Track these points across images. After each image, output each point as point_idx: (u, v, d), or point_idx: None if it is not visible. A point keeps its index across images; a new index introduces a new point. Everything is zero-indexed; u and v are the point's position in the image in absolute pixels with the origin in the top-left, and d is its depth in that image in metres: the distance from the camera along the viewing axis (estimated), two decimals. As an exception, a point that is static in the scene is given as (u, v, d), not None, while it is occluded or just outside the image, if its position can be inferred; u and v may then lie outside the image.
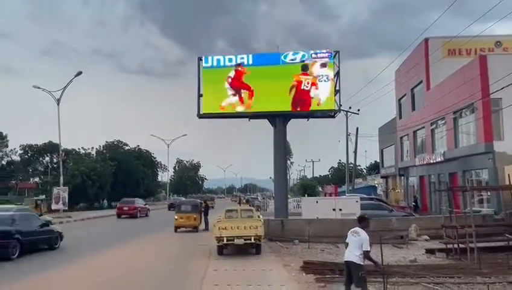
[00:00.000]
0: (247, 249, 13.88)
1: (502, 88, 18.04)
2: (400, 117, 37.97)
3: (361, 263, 7.04)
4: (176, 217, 22.01)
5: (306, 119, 24.51)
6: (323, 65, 21.84)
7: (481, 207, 23.08)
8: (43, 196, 39.44)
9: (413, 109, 34.34)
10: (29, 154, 75.61)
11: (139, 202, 37.25)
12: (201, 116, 22.74)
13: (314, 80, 21.74)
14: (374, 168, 70.11)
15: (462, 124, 25.65)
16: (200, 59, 22.86)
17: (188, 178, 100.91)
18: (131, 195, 44.25)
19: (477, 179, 24.70)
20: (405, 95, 36.17)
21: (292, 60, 22.03)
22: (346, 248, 7.34)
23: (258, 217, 15.54)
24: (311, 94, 21.77)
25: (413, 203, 31.57)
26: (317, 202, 21.63)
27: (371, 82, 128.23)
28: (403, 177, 38.80)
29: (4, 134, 73.54)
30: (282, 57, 22.17)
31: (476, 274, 9.80)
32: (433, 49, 29.21)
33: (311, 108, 22.04)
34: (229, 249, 13.93)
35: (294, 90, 21.78)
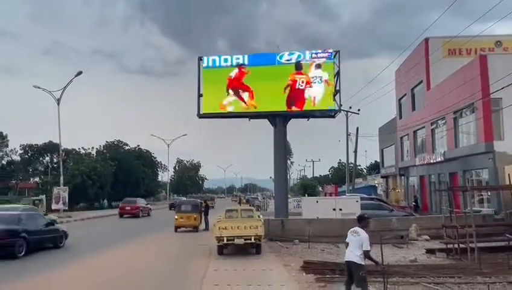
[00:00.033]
0: (248, 249, 13.88)
1: (502, 88, 18.04)
2: (400, 117, 37.97)
3: (362, 263, 7.04)
4: (176, 217, 22.02)
5: (306, 119, 24.50)
6: (318, 66, 21.80)
7: (481, 207, 23.08)
8: (43, 196, 39.39)
9: (414, 108, 34.33)
10: (29, 154, 75.63)
11: (141, 202, 37.53)
12: (201, 116, 22.74)
13: (308, 79, 21.71)
14: (374, 168, 70.11)
15: (462, 123, 25.64)
16: (200, 59, 22.87)
17: (188, 178, 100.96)
18: (131, 195, 44.27)
19: (478, 178, 24.70)
20: (405, 95, 36.17)
21: (288, 60, 22.01)
22: (346, 247, 7.35)
23: (258, 217, 15.52)
24: (306, 94, 21.74)
25: (414, 203, 31.57)
26: (317, 201, 21.61)
27: (371, 82, 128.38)
28: (403, 177, 38.80)
29: (4, 134, 73.62)
30: (278, 58, 22.14)
31: (477, 274, 9.80)
32: (433, 49, 29.20)
33: (305, 108, 21.98)
34: (229, 249, 13.93)
35: (289, 89, 21.76)
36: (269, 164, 24.31)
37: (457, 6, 19.81)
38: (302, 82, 21.74)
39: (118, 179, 56.38)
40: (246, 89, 22.02)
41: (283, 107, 21.92)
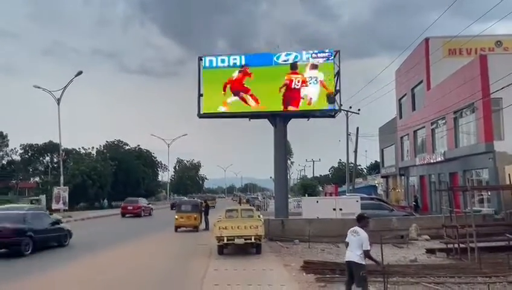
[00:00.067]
0: (248, 248, 13.87)
1: (502, 88, 18.04)
2: (400, 117, 37.96)
3: (363, 263, 7.05)
4: (176, 216, 22.02)
5: (306, 119, 24.48)
6: (314, 67, 21.77)
7: (481, 207, 23.08)
8: (43, 196, 39.43)
9: (414, 108, 34.33)
10: (29, 154, 75.71)
11: (143, 202, 37.84)
12: (201, 116, 22.71)
13: (304, 79, 21.68)
14: (374, 167, 70.12)
15: (463, 123, 25.64)
16: (200, 59, 22.84)
17: (188, 178, 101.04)
18: (131, 195, 44.31)
19: (478, 178, 24.70)
20: (405, 94, 36.17)
21: (285, 61, 21.94)
22: (346, 247, 7.35)
23: (259, 216, 15.51)
24: (302, 93, 21.69)
25: (414, 203, 31.56)
26: (317, 201, 21.60)
27: (371, 82, 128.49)
28: (403, 177, 38.80)
29: (4, 133, 73.67)
30: (275, 58, 22.07)
31: (477, 274, 9.80)
32: (433, 49, 29.20)
33: (301, 107, 21.92)
34: (230, 248, 13.93)
35: (285, 88, 21.71)
36: (269, 163, 24.32)
37: (458, 6, 19.82)
38: (298, 81, 21.70)
39: (118, 179, 56.42)
40: (246, 91, 21.98)
41: (279, 107, 21.91)
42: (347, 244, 7.29)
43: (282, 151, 23.43)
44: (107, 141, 66.81)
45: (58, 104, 32.91)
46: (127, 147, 68.38)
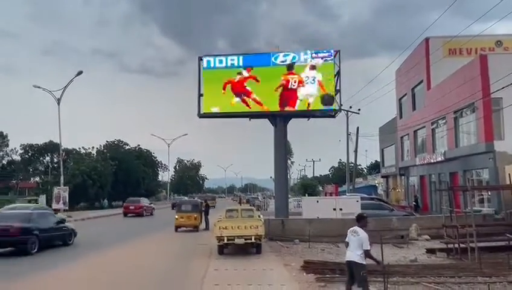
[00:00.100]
0: (248, 248, 13.88)
1: (503, 88, 18.02)
2: (401, 117, 37.96)
3: (363, 263, 7.06)
4: (176, 216, 22.03)
5: (306, 119, 24.48)
6: (313, 67, 21.74)
7: (482, 207, 23.08)
8: (44, 196, 39.41)
9: (414, 108, 34.32)
10: (29, 154, 75.72)
11: (145, 201, 38.54)
12: (201, 115, 22.70)
13: (301, 79, 21.64)
14: (375, 167, 70.12)
15: (463, 123, 25.64)
16: (200, 59, 22.83)
17: (188, 178, 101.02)
18: (131, 195, 44.42)
19: (478, 178, 24.70)
20: (405, 94, 36.16)
21: (283, 61, 21.90)
22: (346, 247, 7.36)
23: (259, 216, 15.52)
24: (299, 93, 21.67)
25: (414, 203, 31.56)
26: (317, 201, 21.60)
27: (371, 82, 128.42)
28: (403, 177, 38.80)
29: (5, 133, 73.71)
30: (273, 59, 22.04)
31: (477, 274, 9.80)
32: (433, 49, 29.19)
33: (299, 107, 21.90)
34: (230, 248, 13.93)
35: (281, 88, 21.69)
36: (269, 163, 24.33)
37: (458, 6, 19.82)
38: (295, 82, 21.66)
39: (118, 178, 56.41)
40: (248, 94, 21.92)
41: (276, 108, 21.90)
42: (347, 244, 7.30)
43: (283, 151, 23.42)
44: (107, 141, 66.83)
45: (59, 104, 32.92)
46: (127, 147, 68.33)
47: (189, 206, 22.61)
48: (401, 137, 37.77)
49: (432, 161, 29.43)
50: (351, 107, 38.19)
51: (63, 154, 43.18)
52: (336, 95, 21.82)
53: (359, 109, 38.52)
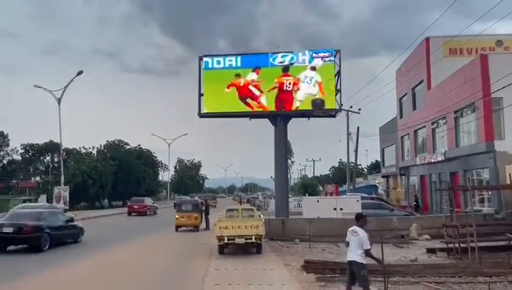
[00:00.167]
0: (248, 248, 13.89)
1: (503, 87, 18.00)
2: (401, 116, 37.95)
3: (364, 262, 7.07)
4: (176, 216, 22.07)
5: (307, 119, 24.47)
6: (313, 68, 21.70)
7: (482, 206, 23.06)
8: (44, 195, 39.51)
9: (414, 108, 34.32)
10: (30, 154, 75.73)
11: (148, 201, 39.51)
12: (202, 115, 22.70)
13: (296, 80, 21.58)
14: (375, 167, 70.13)
15: (463, 123, 25.63)
16: (200, 59, 22.81)
17: (188, 177, 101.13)
18: (132, 194, 44.53)
19: (478, 178, 24.69)
20: (406, 94, 36.15)
21: (281, 62, 21.83)
22: (346, 247, 7.36)
23: (259, 216, 15.53)
24: (298, 94, 21.62)
25: (414, 203, 31.56)
26: (318, 201, 21.62)
27: (371, 81, 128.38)
28: (403, 177, 38.78)
29: (5, 133, 73.65)
30: (270, 60, 21.99)
31: (477, 274, 9.80)
32: (434, 49, 29.18)
33: (300, 108, 21.86)
34: (230, 248, 13.94)
35: (277, 90, 21.65)
36: (270, 163, 24.32)
37: (458, 6, 19.82)
38: (289, 83, 21.59)
39: (118, 178, 56.48)
40: (254, 98, 21.88)
41: (272, 108, 21.86)
42: (347, 244, 7.31)
43: (283, 151, 23.42)
44: (107, 141, 66.94)
45: (59, 103, 32.94)
46: (128, 147, 68.42)
47: (190, 206, 22.68)
48: (402, 137, 37.76)
49: (432, 160, 29.43)
50: (351, 106, 38.25)
51: (64, 154, 43.22)
52: (336, 94, 21.81)
53: (359, 109, 38.57)
